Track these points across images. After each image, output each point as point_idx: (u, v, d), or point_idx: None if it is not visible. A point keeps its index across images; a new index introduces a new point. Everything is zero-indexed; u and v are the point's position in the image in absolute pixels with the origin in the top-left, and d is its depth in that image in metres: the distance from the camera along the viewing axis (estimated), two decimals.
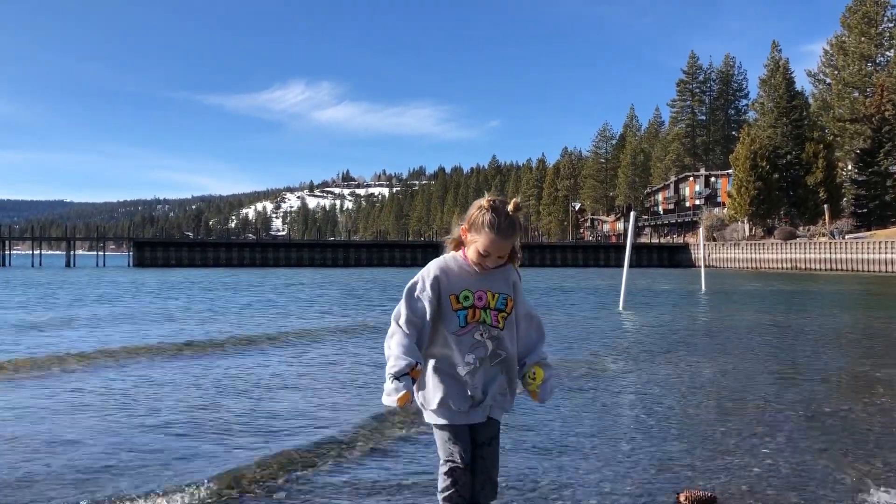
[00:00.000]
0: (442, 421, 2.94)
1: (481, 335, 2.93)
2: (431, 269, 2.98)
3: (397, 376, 2.79)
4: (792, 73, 77.35)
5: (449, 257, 3.01)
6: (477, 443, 3.00)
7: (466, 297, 2.93)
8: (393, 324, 2.93)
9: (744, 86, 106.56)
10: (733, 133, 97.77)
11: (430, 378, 2.95)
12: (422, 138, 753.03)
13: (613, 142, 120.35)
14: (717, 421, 6.09)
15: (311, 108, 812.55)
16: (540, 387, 3.00)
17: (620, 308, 17.84)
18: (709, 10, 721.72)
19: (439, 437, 2.99)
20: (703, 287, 28.21)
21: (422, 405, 3.00)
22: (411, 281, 2.99)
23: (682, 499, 4.01)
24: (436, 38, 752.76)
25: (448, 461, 2.96)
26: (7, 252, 70.42)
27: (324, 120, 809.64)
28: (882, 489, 4.20)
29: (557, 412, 6.38)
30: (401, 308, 2.93)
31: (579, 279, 40.03)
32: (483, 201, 2.91)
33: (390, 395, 2.78)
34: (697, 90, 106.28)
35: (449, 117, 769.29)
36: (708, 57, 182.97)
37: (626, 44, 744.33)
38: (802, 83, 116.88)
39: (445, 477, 2.96)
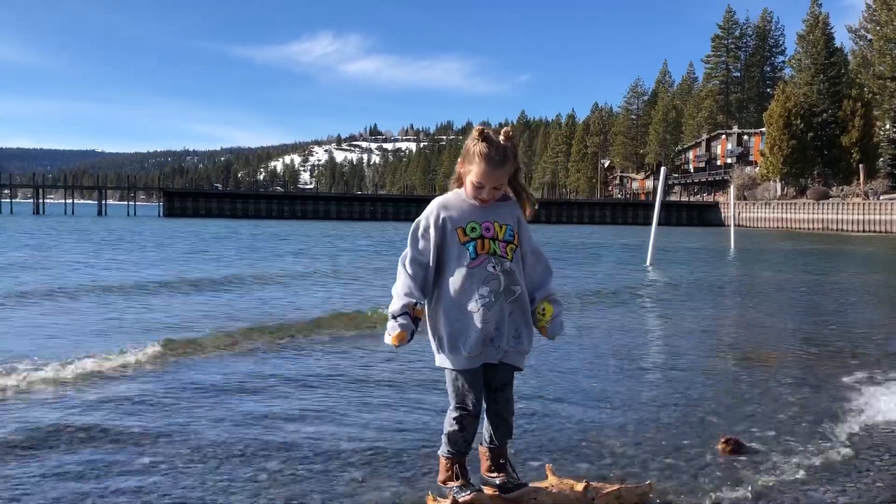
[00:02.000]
0: (456, 365, 2.89)
1: (494, 267, 2.87)
2: (433, 206, 2.95)
3: (395, 315, 2.81)
4: (831, 28, 75.07)
5: (451, 193, 2.99)
6: (491, 388, 2.98)
7: (473, 229, 2.88)
8: (399, 266, 2.91)
9: (781, 42, 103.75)
10: (768, 90, 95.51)
11: (442, 320, 2.89)
12: (450, 92, 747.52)
13: (645, 98, 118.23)
14: (741, 371, 6.12)
15: (339, 61, 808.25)
16: (549, 322, 2.96)
17: (647, 264, 17.78)
18: None
19: (451, 381, 2.93)
20: (732, 245, 27.95)
21: (435, 349, 2.94)
22: (415, 221, 2.96)
23: (721, 447, 4.08)
24: None
25: (459, 407, 2.91)
26: (42, 200, 71.53)
27: (351, 72, 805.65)
28: None
29: (581, 358, 6.45)
30: (407, 248, 2.92)
31: (606, 235, 39.85)
32: (474, 131, 2.89)
33: (389, 334, 2.81)
34: (733, 46, 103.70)
35: (478, 71, 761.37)
36: (745, 11, 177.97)
37: None
38: (842, 39, 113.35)
39: (454, 422, 2.93)
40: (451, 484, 2.94)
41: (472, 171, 2.87)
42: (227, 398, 5.00)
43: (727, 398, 5.20)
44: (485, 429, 3.08)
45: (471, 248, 2.88)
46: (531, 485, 3.06)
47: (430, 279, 2.88)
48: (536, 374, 5.70)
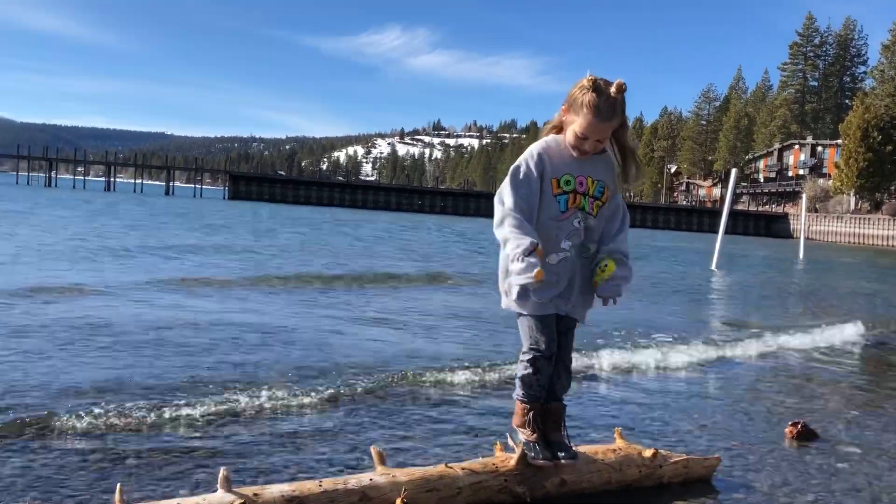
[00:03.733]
0: (530, 311, 2.82)
1: (579, 222, 2.81)
2: (534, 150, 2.83)
3: (525, 254, 2.64)
4: None
5: (550, 139, 2.88)
6: (557, 331, 2.90)
7: (568, 182, 2.80)
8: (500, 208, 2.78)
9: (863, 52, 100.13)
10: (846, 101, 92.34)
11: (519, 264, 2.71)
12: (515, 90, 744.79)
13: (717, 104, 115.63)
14: (809, 370, 5.94)
15: (406, 54, 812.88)
16: (606, 280, 2.79)
17: (713, 267, 17.40)
18: None
19: (524, 325, 2.87)
20: (802, 256, 27.17)
21: (505, 293, 2.84)
22: (514, 164, 2.85)
23: (789, 430, 3.99)
24: None
25: (532, 349, 2.85)
26: (112, 178, 73.90)
27: (418, 66, 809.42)
28: None
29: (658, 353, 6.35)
30: (504, 193, 2.79)
31: (672, 240, 39.17)
32: (584, 80, 2.73)
33: (524, 273, 2.62)
34: (812, 54, 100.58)
35: (545, 69, 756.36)
36: (826, 19, 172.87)
37: (738, 2, 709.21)
38: None
39: (528, 364, 2.86)
40: (524, 433, 2.88)
41: (576, 121, 2.76)
42: None
43: (795, 393, 5.05)
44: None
45: (562, 202, 2.81)
46: (600, 448, 3.02)
47: (533, 223, 2.76)
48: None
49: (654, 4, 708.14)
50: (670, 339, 6.73)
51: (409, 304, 8.37)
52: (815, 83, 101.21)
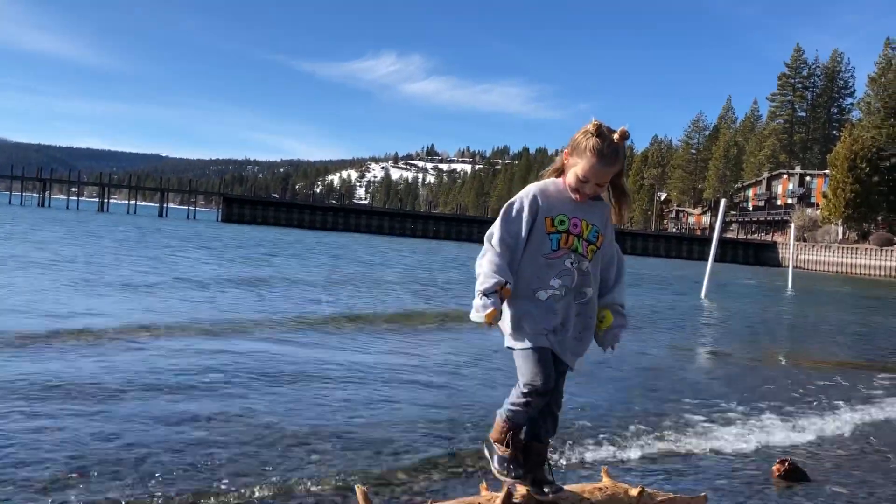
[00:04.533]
0: (525, 344, 2.85)
1: (571, 263, 2.85)
2: (531, 189, 2.90)
3: (486, 293, 2.72)
4: None
5: (549, 181, 2.95)
6: None
7: (562, 222, 2.86)
8: (486, 243, 2.87)
9: (850, 83, 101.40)
10: (834, 133, 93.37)
11: (513, 302, 2.85)
12: (508, 117, 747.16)
13: (706, 133, 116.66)
14: (801, 402, 6.00)
15: (401, 80, 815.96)
16: (605, 331, 2.92)
17: (703, 296, 17.50)
18: (821, 1, 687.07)
19: (522, 360, 2.87)
20: (790, 285, 27.33)
21: (506, 332, 2.90)
22: (509, 201, 2.93)
23: (776, 468, 4.03)
24: (530, 15, 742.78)
25: (529, 384, 2.83)
26: (107, 199, 73.81)
27: (412, 92, 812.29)
28: None
29: (643, 386, 6.40)
30: (494, 227, 2.88)
31: (661, 268, 39.32)
32: (589, 125, 2.83)
33: (478, 312, 2.72)
34: (800, 85, 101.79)
35: (538, 97, 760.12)
36: (814, 51, 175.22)
37: (727, 33, 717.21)
38: None
39: (520, 395, 2.87)
40: (500, 448, 2.90)
41: (579, 164, 2.83)
42: None
43: (786, 431, 5.11)
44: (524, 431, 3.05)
45: (554, 240, 2.86)
46: (587, 486, 3.06)
47: (516, 261, 2.84)
48: (591, 382, 5.68)
49: (644, 34, 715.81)
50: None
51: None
52: (804, 114, 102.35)
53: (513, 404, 2.90)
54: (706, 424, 5.02)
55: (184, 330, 7.54)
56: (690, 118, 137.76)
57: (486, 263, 2.81)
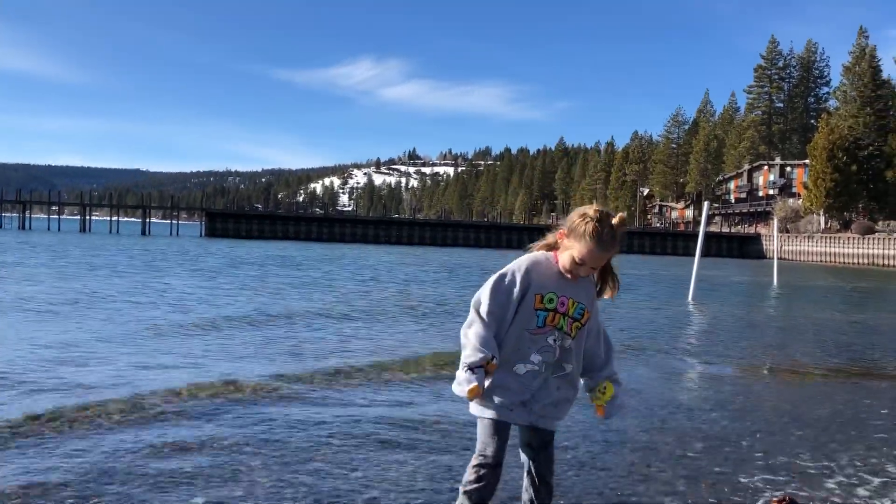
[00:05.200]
0: (486, 413, 2.91)
1: (554, 340, 2.90)
2: (524, 263, 2.92)
3: (472, 367, 2.75)
4: (878, 60, 74.04)
5: (541, 255, 2.97)
6: (532, 447, 3.02)
7: (551, 300, 2.89)
8: (473, 312, 2.87)
9: (825, 73, 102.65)
10: (812, 122, 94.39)
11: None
12: (489, 118, 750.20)
13: (686, 127, 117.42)
14: (791, 424, 6.03)
15: (380, 85, 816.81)
16: (608, 403, 2.99)
17: (689, 300, 17.59)
18: None
19: (480, 429, 2.95)
20: (776, 281, 27.50)
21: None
22: (500, 272, 2.92)
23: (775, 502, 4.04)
24: (507, 17, 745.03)
25: (480, 455, 2.92)
26: (88, 217, 73.26)
27: (391, 97, 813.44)
28: None
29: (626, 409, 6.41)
30: (483, 297, 2.87)
31: (648, 265, 39.48)
32: (589, 210, 2.88)
33: (461, 385, 2.75)
34: (776, 76, 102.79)
35: (517, 97, 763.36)
36: (789, 42, 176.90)
37: (704, 27, 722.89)
38: (890, 71, 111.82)
39: (472, 471, 2.94)
40: None
41: (575, 247, 2.86)
42: None
43: (779, 453, 5.12)
44: (524, 490, 3.10)
45: (541, 318, 2.89)
46: None
47: (502, 333, 2.87)
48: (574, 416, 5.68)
49: (622, 32, 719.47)
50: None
51: None
52: (781, 104, 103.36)
53: (465, 487, 2.96)
54: None
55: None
56: (670, 113, 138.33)
57: (472, 335, 2.83)
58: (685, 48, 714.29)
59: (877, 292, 26.71)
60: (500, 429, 2.90)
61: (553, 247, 2.98)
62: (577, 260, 2.86)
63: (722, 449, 5.17)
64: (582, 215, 2.88)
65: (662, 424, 5.84)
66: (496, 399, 2.88)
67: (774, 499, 4.10)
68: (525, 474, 3.12)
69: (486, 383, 2.83)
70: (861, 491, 4.38)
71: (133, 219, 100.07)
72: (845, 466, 4.86)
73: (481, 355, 2.76)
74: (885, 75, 74.88)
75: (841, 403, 6.83)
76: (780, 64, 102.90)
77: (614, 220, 2.88)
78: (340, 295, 16.28)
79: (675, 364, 8.98)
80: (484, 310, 2.85)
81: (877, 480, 4.59)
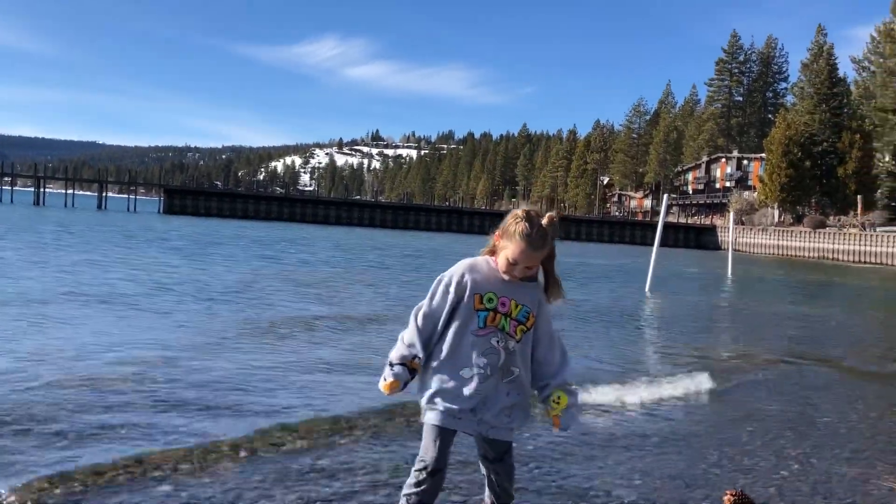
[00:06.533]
0: (430, 419, 2.94)
1: (497, 342, 2.92)
2: (461, 267, 2.98)
3: (392, 363, 2.91)
4: (835, 59, 75.60)
5: (481, 259, 3.03)
6: (489, 459, 3.07)
7: (490, 300, 2.92)
8: (411, 314, 2.98)
9: (784, 69, 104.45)
10: (770, 116, 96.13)
11: (432, 375, 2.95)
12: (452, 101, 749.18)
13: (647, 117, 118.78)
14: (741, 420, 6.22)
15: (343, 64, 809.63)
16: (563, 412, 2.96)
17: (647, 291, 17.91)
18: None
19: (424, 435, 2.97)
20: (730, 273, 28.10)
21: (422, 405, 3.02)
22: (439, 276, 2.99)
23: (727, 499, 4.15)
24: (474, 1, 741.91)
25: (421, 460, 2.94)
26: (42, 190, 71.41)
27: (355, 77, 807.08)
28: None
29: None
30: (424, 300, 2.98)
31: (604, 255, 39.97)
32: (519, 211, 2.93)
33: (382, 380, 2.93)
34: (736, 70, 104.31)
35: (481, 81, 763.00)
36: (750, 37, 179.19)
37: (667, 19, 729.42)
38: (846, 69, 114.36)
39: (412, 476, 2.96)
40: None
41: (508, 247, 2.91)
42: None
43: (731, 450, 5.28)
44: (486, 496, 3.18)
45: (481, 318, 2.93)
46: None
47: (435, 336, 2.95)
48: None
49: (587, 20, 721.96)
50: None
51: None
52: (740, 98, 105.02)
53: (407, 486, 3.00)
54: None
55: None
56: (632, 103, 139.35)
57: (403, 335, 2.99)
58: (649, 39, 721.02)
59: (826, 286, 27.47)
60: (443, 435, 2.92)
61: (494, 252, 3.02)
62: (510, 260, 2.90)
63: (677, 443, 5.34)
64: (514, 216, 2.94)
65: (620, 419, 6.00)
66: (443, 405, 2.91)
67: (727, 493, 4.22)
68: (486, 483, 3.18)
69: (411, 382, 2.96)
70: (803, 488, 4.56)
71: (89, 192, 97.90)
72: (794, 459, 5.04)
73: (404, 353, 2.92)
74: (840, 73, 76.58)
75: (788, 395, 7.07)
76: (741, 58, 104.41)
77: (544, 220, 2.93)
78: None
79: (633, 356, 9.17)
80: (420, 312, 2.97)
81: (824, 471, 4.78)
